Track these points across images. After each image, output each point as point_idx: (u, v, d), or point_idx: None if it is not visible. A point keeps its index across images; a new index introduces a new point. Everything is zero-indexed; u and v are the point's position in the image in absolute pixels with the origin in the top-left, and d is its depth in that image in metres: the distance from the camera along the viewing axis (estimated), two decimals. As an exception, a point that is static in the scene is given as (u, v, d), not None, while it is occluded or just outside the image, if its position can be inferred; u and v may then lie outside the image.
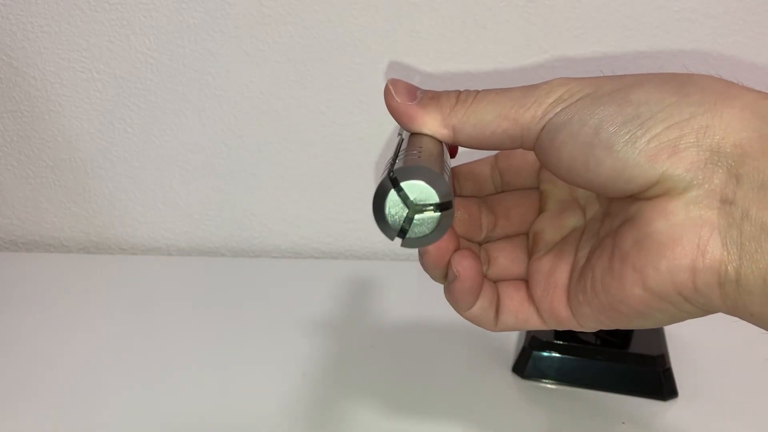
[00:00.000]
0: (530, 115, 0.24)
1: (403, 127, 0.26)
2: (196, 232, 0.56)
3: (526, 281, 0.30)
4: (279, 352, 0.43)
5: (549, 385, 0.40)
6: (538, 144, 0.24)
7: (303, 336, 0.45)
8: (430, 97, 0.25)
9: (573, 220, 0.29)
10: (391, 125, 0.50)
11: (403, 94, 0.25)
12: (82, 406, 0.40)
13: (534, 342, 0.41)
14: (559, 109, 0.23)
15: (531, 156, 0.29)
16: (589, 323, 0.26)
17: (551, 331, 0.41)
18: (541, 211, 0.31)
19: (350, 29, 0.47)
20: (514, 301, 0.29)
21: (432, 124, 0.25)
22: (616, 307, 0.24)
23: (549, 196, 0.30)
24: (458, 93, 0.25)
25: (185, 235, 0.56)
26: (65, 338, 0.46)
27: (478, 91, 0.25)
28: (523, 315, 0.29)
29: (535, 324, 0.29)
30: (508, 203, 0.31)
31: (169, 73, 0.49)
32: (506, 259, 0.31)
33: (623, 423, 0.38)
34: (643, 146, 0.21)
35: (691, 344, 0.43)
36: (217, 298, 0.49)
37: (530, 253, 0.30)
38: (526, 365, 0.41)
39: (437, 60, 0.48)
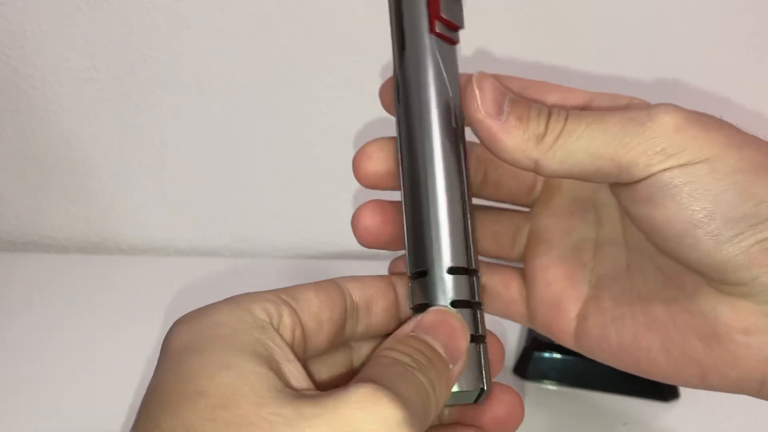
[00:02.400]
0: (631, 159, 0.20)
1: (481, 142, 0.22)
2: (196, 232, 0.56)
3: (519, 270, 0.28)
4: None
5: (550, 387, 0.40)
6: (633, 189, 0.21)
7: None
8: (517, 118, 0.21)
9: (584, 228, 0.26)
10: (391, 126, 0.50)
11: (489, 104, 0.21)
12: (82, 406, 0.40)
13: (535, 343, 0.41)
14: (668, 165, 0.20)
15: None
16: (593, 356, 0.25)
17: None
18: (539, 194, 0.27)
19: (350, 29, 0.47)
20: (502, 298, 0.27)
21: (513, 152, 0.22)
22: (643, 370, 0.23)
23: (562, 189, 0.27)
24: (548, 117, 0.21)
25: (185, 236, 0.56)
26: (64, 338, 0.46)
27: (567, 115, 0.21)
28: (510, 314, 0.28)
29: (520, 321, 0.28)
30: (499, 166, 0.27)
31: (169, 72, 0.49)
32: (490, 237, 0.28)
33: (625, 424, 0.38)
34: (747, 247, 0.20)
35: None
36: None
37: (528, 246, 0.27)
38: (527, 366, 0.41)
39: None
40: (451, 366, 0.21)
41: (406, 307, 0.25)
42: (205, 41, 0.48)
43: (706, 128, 0.20)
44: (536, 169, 0.22)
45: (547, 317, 0.26)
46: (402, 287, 0.25)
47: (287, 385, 0.19)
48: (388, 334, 0.23)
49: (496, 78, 0.22)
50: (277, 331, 0.20)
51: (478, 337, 0.22)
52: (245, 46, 0.48)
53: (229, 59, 0.48)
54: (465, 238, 0.23)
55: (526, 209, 0.28)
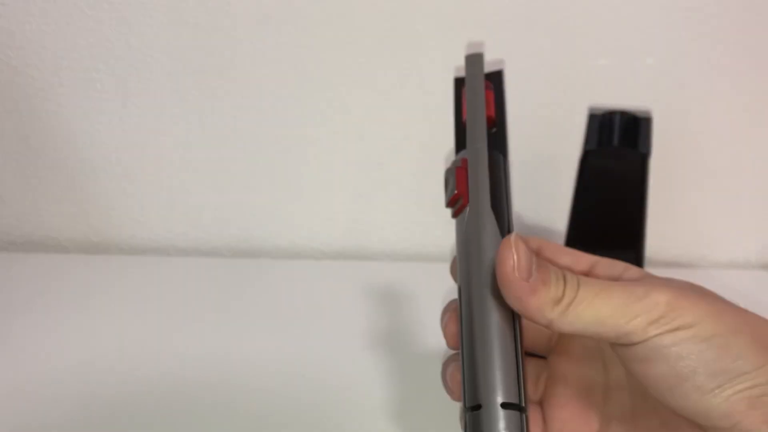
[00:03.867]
0: (631, 329, 0.25)
1: (507, 299, 0.26)
2: (196, 232, 0.56)
3: (540, 407, 0.32)
4: (279, 352, 0.43)
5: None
6: (630, 350, 0.25)
7: (303, 336, 0.45)
8: (542, 282, 0.25)
9: (594, 373, 0.31)
10: (392, 125, 0.50)
11: (523, 267, 0.25)
12: (81, 406, 0.40)
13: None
14: (660, 331, 0.24)
15: None
16: None
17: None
18: (554, 344, 0.32)
19: (350, 29, 0.47)
20: None
21: (534, 311, 0.25)
22: None
23: (570, 336, 0.31)
24: (564, 283, 0.25)
25: (185, 235, 0.56)
26: (64, 339, 0.46)
27: (579, 283, 0.25)
28: None
29: None
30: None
31: (169, 72, 0.49)
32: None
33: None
34: (727, 396, 0.24)
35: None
36: (217, 298, 0.49)
37: (546, 388, 0.32)
38: (527, 366, 0.41)
39: (438, 59, 0.48)
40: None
41: None
42: (206, 41, 0.48)
43: (692, 301, 0.25)
44: (549, 327, 0.26)
45: None
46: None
47: None
48: None
49: (524, 240, 0.26)
50: None
51: None
52: (245, 46, 0.48)
53: (229, 59, 0.48)
54: (517, 376, 0.26)
55: (543, 357, 0.33)
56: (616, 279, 0.29)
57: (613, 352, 0.28)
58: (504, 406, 0.25)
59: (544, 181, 0.52)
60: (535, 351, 0.33)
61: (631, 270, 0.29)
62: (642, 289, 0.25)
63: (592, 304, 0.25)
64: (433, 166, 0.52)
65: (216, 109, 0.50)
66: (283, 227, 0.56)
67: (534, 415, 0.32)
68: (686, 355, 0.24)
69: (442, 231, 0.54)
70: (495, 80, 0.32)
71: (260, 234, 0.56)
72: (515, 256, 0.25)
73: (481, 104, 0.30)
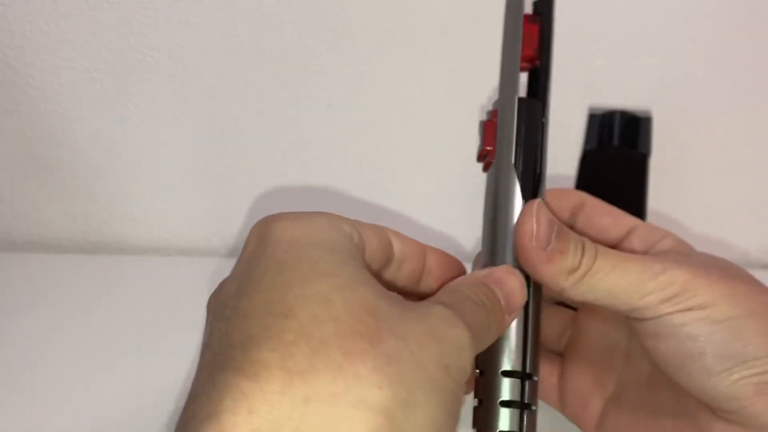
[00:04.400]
0: (644, 303, 0.24)
1: (522, 265, 0.25)
2: (196, 232, 0.56)
3: (560, 359, 0.32)
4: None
5: (550, 387, 0.40)
6: (641, 324, 0.25)
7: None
8: (559, 251, 0.25)
9: (618, 336, 0.30)
10: (391, 126, 0.50)
11: (542, 236, 0.25)
12: (81, 406, 0.40)
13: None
14: (672, 309, 0.24)
15: None
16: None
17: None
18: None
19: (350, 28, 0.47)
20: (543, 383, 0.31)
21: (547, 278, 0.25)
22: None
23: None
24: (582, 253, 0.25)
25: (185, 235, 0.56)
26: (63, 339, 0.46)
27: (597, 254, 0.25)
28: (546, 397, 0.32)
29: (553, 406, 0.32)
30: None
31: (168, 72, 0.49)
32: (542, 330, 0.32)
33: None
34: (734, 381, 0.24)
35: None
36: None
37: (569, 343, 0.32)
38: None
39: (438, 58, 0.48)
40: (506, 316, 0.25)
41: (428, 276, 0.28)
42: (205, 41, 0.48)
43: (710, 280, 0.24)
44: (560, 294, 0.26)
45: (575, 407, 0.31)
46: (432, 259, 0.28)
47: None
48: (405, 293, 0.27)
49: (549, 207, 0.26)
50: (356, 248, 0.24)
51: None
52: (245, 45, 0.48)
53: (229, 59, 0.48)
54: (524, 343, 0.26)
55: (574, 308, 0.33)
56: (650, 247, 0.29)
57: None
58: (504, 374, 0.25)
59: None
60: (565, 302, 0.33)
61: (667, 239, 0.29)
62: (660, 266, 0.25)
63: (607, 276, 0.25)
64: (433, 166, 0.52)
65: (216, 109, 0.50)
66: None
67: (552, 368, 0.32)
68: (696, 336, 0.24)
69: (442, 231, 0.54)
70: (545, 8, 0.30)
71: (260, 234, 0.56)
72: (534, 224, 0.25)
73: (515, 44, 0.28)
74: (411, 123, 0.50)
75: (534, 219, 0.25)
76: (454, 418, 0.20)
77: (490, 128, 0.28)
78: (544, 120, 0.28)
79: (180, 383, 0.41)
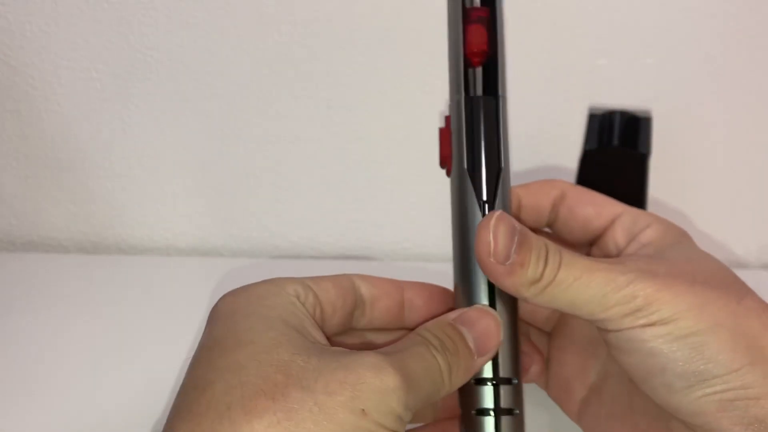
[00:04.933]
0: (606, 317, 0.24)
1: (486, 273, 0.26)
2: (196, 232, 0.56)
3: (547, 339, 0.32)
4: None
5: (550, 387, 0.40)
6: (606, 335, 0.25)
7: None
8: (519, 264, 0.24)
9: None
10: (391, 126, 0.50)
11: (500, 252, 0.24)
12: (81, 406, 0.40)
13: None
14: (637, 324, 0.24)
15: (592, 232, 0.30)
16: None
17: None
18: None
19: (350, 28, 0.47)
20: (530, 372, 0.31)
21: (509, 289, 0.25)
22: None
23: None
24: (545, 264, 0.24)
25: (184, 236, 0.56)
26: (63, 339, 0.46)
27: (560, 263, 0.24)
28: (533, 377, 0.32)
29: (540, 386, 0.32)
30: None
31: (168, 72, 0.49)
32: (529, 312, 0.32)
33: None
34: (696, 398, 0.23)
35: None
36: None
37: (556, 325, 0.32)
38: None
39: (437, 59, 0.48)
40: (476, 357, 0.25)
41: (411, 310, 0.29)
42: (205, 41, 0.48)
43: (675, 292, 0.24)
44: (524, 301, 0.26)
45: (558, 392, 0.31)
46: (411, 293, 0.29)
47: (317, 342, 0.24)
48: (388, 329, 0.29)
49: (509, 219, 0.25)
50: (304, 306, 0.26)
51: None
52: (246, 45, 0.48)
53: (229, 59, 0.48)
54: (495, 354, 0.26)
55: None
56: (633, 237, 0.28)
57: None
58: (477, 382, 0.26)
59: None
60: None
61: (651, 230, 0.28)
62: (624, 278, 0.24)
63: (569, 288, 0.24)
64: (433, 166, 0.52)
65: (216, 109, 0.50)
66: (283, 227, 0.55)
67: (537, 351, 0.31)
68: (658, 353, 0.24)
69: (442, 231, 0.54)
70: (488, 1, 0.28)
71: (260, 234, 0.56)
72: (492, 239, 0.24)
73: (458, 44, 0.28)
74: (411, 123, 0.50)
75: (491, 233, 0.24)
76: None
77: (445, 134, 0.28)
78: (500, 115, 0.27)
79: (179, 383, 0.41)
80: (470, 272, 0.26)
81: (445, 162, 0.28)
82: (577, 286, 0.24)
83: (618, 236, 0.29)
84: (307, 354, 0.22)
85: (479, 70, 0.27)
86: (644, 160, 0.40)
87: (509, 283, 0.25)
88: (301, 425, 0.20)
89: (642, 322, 0.24)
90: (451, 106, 0.28)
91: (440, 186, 0.53)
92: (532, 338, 0.33)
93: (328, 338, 0.27)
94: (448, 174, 0.28)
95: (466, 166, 0.27)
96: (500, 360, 0.25)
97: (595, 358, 0.30)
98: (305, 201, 0.54)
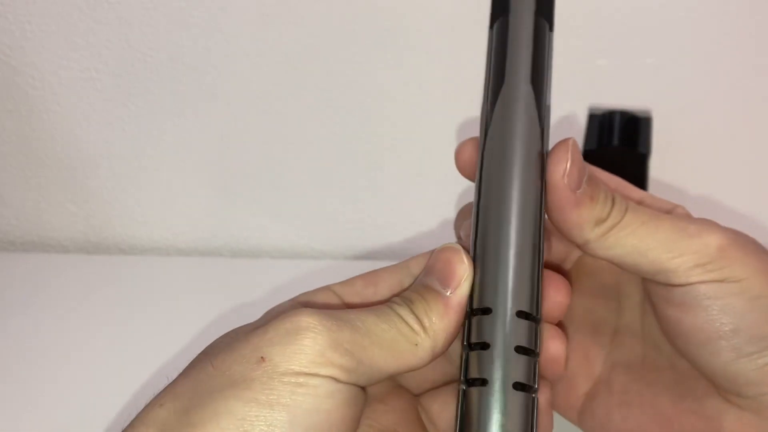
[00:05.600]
0: (674, 266, 0.22)
1: (547, 207, 0.23)
2: (196, 233, 0.56)
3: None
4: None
5: (550, 386, 0.40)
6: (667, 290, 0.23)
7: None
8: (589, 197, 0.22)
9: (605, 312, 0.28)
10: (391, 125, 0.50)
11: (575, 175, 0.22)
12: (81, 406, 0.40)
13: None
14: (706, 278, 0.22)
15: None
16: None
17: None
18: (567, 272, 0.29)
19: (350, 28, 0.47)
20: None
21: (572, 226, 0.23)
22: None
23: (591, 271, 0.28)
24: (612, 204, 0.23)
25: (184, 236, 0.56)
26: (63, 339, 0.46)
27: (627, 207, 0.23)
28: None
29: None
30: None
31: (169, 72, 0.49)
32: None
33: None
34: (762, 365, 0.22)
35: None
36: (217, 298, 0.49)
37: None
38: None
39: (438, 59, 0.48)
40: (446, 292, 0.22)
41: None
42: (205, 41, 0.48)
43: (745, 252, 0.22)
44: (583, 247, 0.23)
45: (558, 389, 0.28)
46: (416, 269, 0.25)
47: None
48: None
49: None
50: None
51: (529, 387, 0.22)
52: (245, 46, 0.48)
53: (229, 59, 0.48)
54: (538, 285, 0.23)
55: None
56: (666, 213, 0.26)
57: (636, 290, 0.26)
58: (519, 314, 0.22)
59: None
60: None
61: (680, 209, 0.27)
62: (695, 227, 0.22)
63: (637, 231, 0.22)
64: (433, 166, 0.52)
65: (216, 109, 0.50)
66: (283, 227, 0.55)
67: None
68: (730, 312, 0.22)
69: (442, 231, 0.54)
70: None
71: (260, 234, 0.56)
72: (569, 162, 0.22)
73: None
74: (411, 123, 0.50)
75: (569, 156, 0.22)
76: (265, 407, 0.19)
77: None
78: (550, 43, 0.26)
79: (180, 383, 0.41)
80: (506, 201, 0.23)
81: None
82: (644, 229, 0.22)
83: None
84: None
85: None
86: (644, 160, 0.40)
87: (575, 218, 0.22)
88: (199, 388, 0.20)
89: (713, 276, 0.22)
90: (511, 15, 0.25)
91: (442, 186, 0.53)
92: None
93: None
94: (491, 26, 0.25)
95: (531, 80, 0.24)
96: (540, 299, 0.22)
97: (600, 346, 0.27)
98: (305, 201, 0.54)
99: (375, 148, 0.51)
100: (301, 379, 0.19)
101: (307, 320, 0.20)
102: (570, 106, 0.48)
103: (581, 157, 0.23)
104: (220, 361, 0.20)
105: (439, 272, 0.23)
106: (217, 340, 0.23)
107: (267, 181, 0.53)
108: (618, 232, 0.22)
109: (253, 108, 0.50)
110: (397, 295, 0.24)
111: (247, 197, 0.54)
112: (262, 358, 0.19)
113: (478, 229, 0.23)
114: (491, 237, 0.23)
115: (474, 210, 0.24)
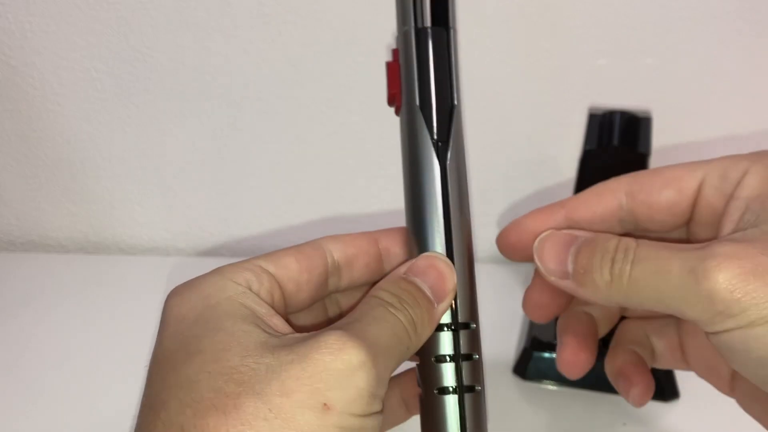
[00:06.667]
0: (695, 317, 0.20)
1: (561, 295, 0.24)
2: (196, 233, 0.56)
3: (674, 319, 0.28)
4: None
5: (550, 387, 0.40)
6: (708, 338, 0.21)
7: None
8: (582, 273, 0.22)
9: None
10: (391, 126, 0.50)
11: (553, 269, 0.23)
12: (81, 406, 0.40)
13: (535, 343, 0.41)
14: (729, 326, 0.19)
15: (680, 207, 0.26)
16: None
17: (552, 332, 0.41)
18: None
19: (350, 28, 0.47)
20: (666, 353, 0.29)
21: (587, 297, 0.23)
22: None
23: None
24: (611, 262, 0.22)
25: (184, 236, 0.56)
26: (63, 339, 0.46)
27: (634, 253, 0.21)
28: (670, 362, 0.29)
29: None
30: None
31: (168, 72, 0.49)
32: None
33: (624, 424, 0.38)
34: None
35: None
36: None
37: None
38: (527, 366, 0.41)
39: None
40: (436, 305, 0.23)
41: (389, 259, 0.27)
42: (205, 41, 0.48)
43: (765, 282, 0.19)
44: (617, 305, 0.24)
45: (703, 372, 0.28)
46: (386, 241, 0.27)
47: (273, 333, 0.22)
48: (372, 284, 0.26)
49: (557, 234, 0.24)
50: (257, 294, 0.23)
51: (457, 389, 0.24)
52: (245, 46, 0.48)
53: (229, 59, 0.48)
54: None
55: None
56: (729, 196, 0.23)
57: None
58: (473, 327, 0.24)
59: (544, 181, 0.52)
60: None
61: (751, 175, 0.23)
62: (701, 267, 0.19)
63: (650, 283, 0.21)
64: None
65: (215, 109, 0.50)
66: (284, 227, 0.55)
67: (669, 329, 0.28)
68: None
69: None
70: None
71: (260, 234, 0.56)
72: (540, 264, 0.23)
73: None
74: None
75: (536, 257, 0.23)
76: None
77: (393, 68, 0.26)
78: (451, 48, 0.26)
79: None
80: (422, 217, 0.24)
81: (393, 99, 0.26)
82: (656, 280, 0.21)
83: (714, 203, 0.24)
84: (259, 352, 0.20)
85: (426, 2, 0.26)
86: (644, 159, 0.40)
87: (581, 292, 0.23)
88: None
89: (736, 323, 0.19)
90: (398, 39, 0.26)
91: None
92: (662, 321, 0.29)
93: (305, 309, 0.26)
94: (397, 113, 0.27)
95: (418, 102, 0.25)
96: (459, 304, 0.24)
97: None
98: (306, 201, 0.54)
99: (376, 148, 0.51)
100: (364, 422, 0.20)
101: (358, 358, 0.20)
102: (570, 106, 0.48)
103: (552, 244, 0.23)
104: (277, 406, 0.19)
105: (433, 282, 0.24)
106: (166, 343, 0.22)
107: (267, 181, 0.53)
108: (632, 288, 0.21)
109: (253, 108, 0.50)
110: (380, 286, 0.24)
111: (247, 197, 0.54)
112: (325, 405, 0.19)
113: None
114: (461, 266, 0.25)
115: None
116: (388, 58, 0.46)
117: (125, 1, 0.47)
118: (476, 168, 0.52)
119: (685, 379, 0.39)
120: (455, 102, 0.25)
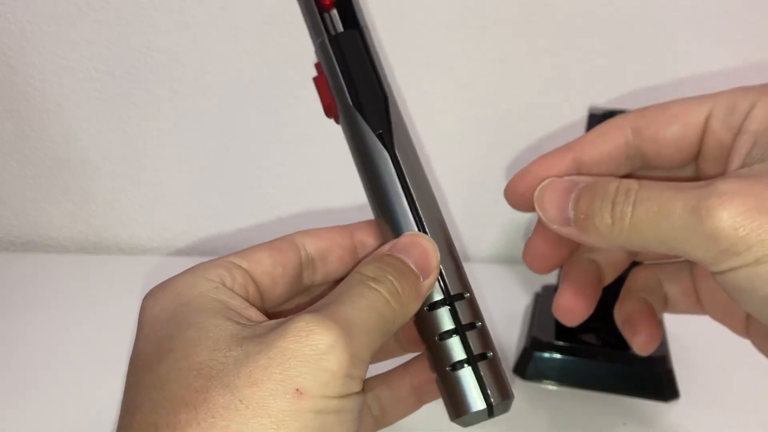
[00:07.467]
0: (699, 257, 0.19)
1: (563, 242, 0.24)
2: (196, 233, 0.56)
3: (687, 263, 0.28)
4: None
5: (550, 387, 0.40)
6: (714, 277, 0.20)
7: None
8: (583, 218, 0.22)
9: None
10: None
11: (555, 218, 0.22)
12: (81, 406, 0.40)
13: (535, 343, 0.41)
14: (735, 264, 0.19)
15: (686, 143, 0.25)
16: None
17: (553, 332, 0.41)
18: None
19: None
20: (679, 298, 0.28)
21: (590, 243, 0.23)
22: None
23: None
24: (612, 205, 0.21)
25: (184, 236, 0.56)
26: (63, 339, 0.45)
27: (635, 195, 0.21)
28: (684, 307, 0.29)
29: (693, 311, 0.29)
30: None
31: (168, 72, 0.49)
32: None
33: (625, 424, 0.37)
34: None
35: (693, 345, 0.43)
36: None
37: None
38: (527, 366, 0.41)
39: (437, 59, 0.48)
40: (422, 279, 0.23)
41: (365, 251, 0.27)
42: (205, 41, 0.48)
43: None
44: (621, 249, 0.23)
45: (718, 314, 0.27)
46: (361, 234, 0.27)
47: (247, 324, 0.22)
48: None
49: (557, 181, 0.24)
50: (231, 289, 0.23)
51: (469, 360, 0.24)
52: (245, 46, 0.48)
53: (228, 59, 0.48)
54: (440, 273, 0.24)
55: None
56: (737, 129, 0.23)
57: None
58: (431, 307, 0.24)
59: (544, 181, 0.52)
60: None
61: (759, 107, 0.23)
62: (705, 205, 0.19)
63: (653, 224, 0.20)
64: (434, 165, 0.52)
65: (215, 109, 0.50)
66: (284, 227, 0.55)
67: (684, 273, 0.28)
68: None
69: (449, 231, 0.54)
70: None
71: (260, 234, 0.56)
72: (540, 214, 0.23)
73: None
74: (413, 122, 0.50)
75: (537, 206, 0.23)
76: None
77: (320, 81, 0.28)
78: (368, 45, 0.27)
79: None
80: (387, 205, 0.25)
81: (330, 109, 0.28)
82: (658, 221, 0.20)
83: (721, 137, 0.24)
84: (228, 345, 0.20)
85: (334, 12, 0.27)
86: (644, 160, 0.40)
87: (593, 239, 0.22)
88: (230, 429, 0.18)
89: (741, 261, 0.18)
90: (316, 52, 0.28)
91: (445, 187, 0.53)
92: (674, 272, 0.28)
93: (281, 304, 0.26)
94: (338, 121, 0.28)
95: (351, 102, 0.26)
96: (447, 279, 0.24)
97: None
98: (306, 201, 0.54)
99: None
100: (342, 403, 0.20)
101: (325, 341, 0.20)
102: (570, 106, 0.48)
103: (552, 192, 0.23)
104: (248, 396, 0.19)
105: (418, 258, 0.24)
106: (142, 345, 0.23)
107: (267, 181, 0.53)
108: (633, 230, 0.21)
109: (252, 108, 0.50)
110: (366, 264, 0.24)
111: (247, 197, 0.54)
112: (297, 390, 0.19)
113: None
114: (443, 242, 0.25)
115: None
116: (388, 57, 0.46)
117: (126, 1, 0.47)
118: (475, 169, 0.52)
119: (685, 379, 0.39)
120: (387, 93, 0.26)
